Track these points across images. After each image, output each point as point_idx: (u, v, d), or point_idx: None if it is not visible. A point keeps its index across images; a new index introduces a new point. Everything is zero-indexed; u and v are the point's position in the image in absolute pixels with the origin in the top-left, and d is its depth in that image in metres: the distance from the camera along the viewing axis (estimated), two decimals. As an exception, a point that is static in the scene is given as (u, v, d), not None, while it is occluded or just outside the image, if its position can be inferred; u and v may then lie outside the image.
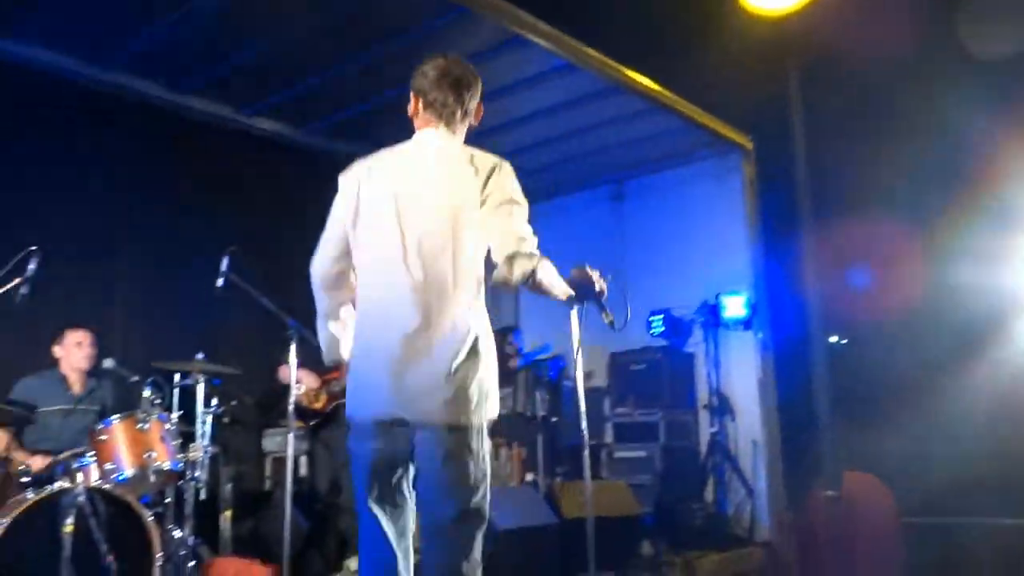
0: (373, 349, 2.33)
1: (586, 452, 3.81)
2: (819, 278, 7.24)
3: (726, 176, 6.88)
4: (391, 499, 2.36)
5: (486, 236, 2.37)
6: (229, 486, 4.35)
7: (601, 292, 2.66)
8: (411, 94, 2.51)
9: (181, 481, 3.91)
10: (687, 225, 6.97)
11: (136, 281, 5.00)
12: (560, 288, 2.51)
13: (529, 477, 5.91)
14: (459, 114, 2.47)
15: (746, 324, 6.55)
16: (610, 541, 4.41)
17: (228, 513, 4.28)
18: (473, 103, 2.51)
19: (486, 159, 2.42)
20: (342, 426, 2.79)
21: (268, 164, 5.92)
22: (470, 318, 2.35)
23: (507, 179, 2.40)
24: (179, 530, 3.87)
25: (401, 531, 2.38)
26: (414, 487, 2.37)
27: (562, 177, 7.46)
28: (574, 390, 6.32)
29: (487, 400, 2.34)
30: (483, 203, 2.35)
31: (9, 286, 3.31)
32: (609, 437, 6.63)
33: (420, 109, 2.48)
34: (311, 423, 4.99)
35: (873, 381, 7.25)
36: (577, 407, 5.05)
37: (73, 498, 3.06)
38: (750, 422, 6.57)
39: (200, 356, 4.09)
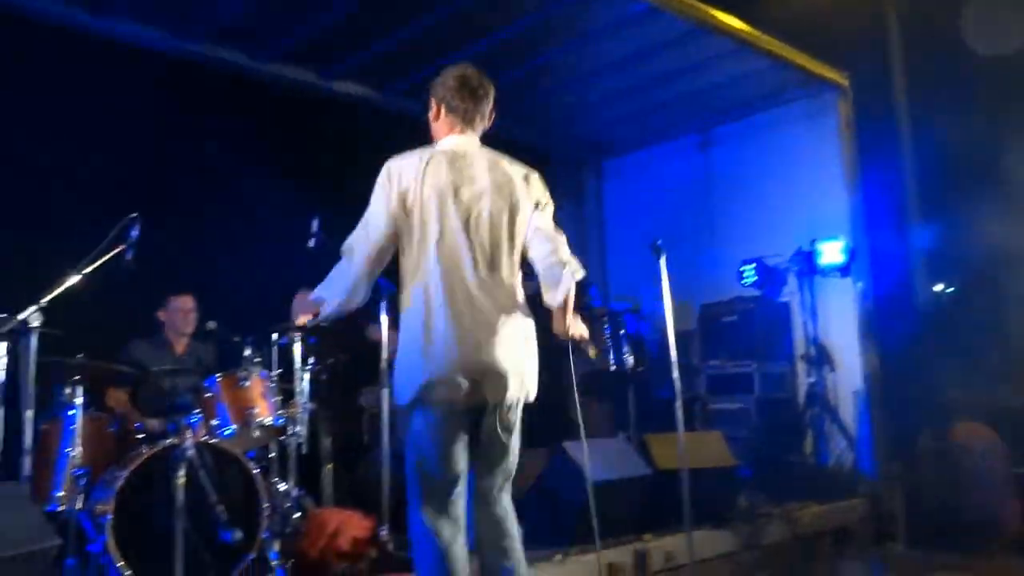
0: (456, 338, 2.51)
1: (678, 402, 3.77)
2: (922, 222, 6.90)
3: (820, 117, 6.58)
4: (460, 470, 2.59)
5: (536, 238, 2.70)
6: (329, 440, 4.48)
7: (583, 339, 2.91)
8: (432, 101, 2.76)
9: (283, 436, 4.05)
10: (779, 170, 6.71)
11: (231, 245, 5.15)
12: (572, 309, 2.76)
13: (619, 433, 5.88)
14: (477, 119, 2.74)
15: (844, 271, 6.29)
16: (706, 493, 4.35)
17: (329, 467, 4.42)
18: (488, 108, 2.77)
19: (530, 169, 2.78)
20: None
21: (352, 127, 5.98)
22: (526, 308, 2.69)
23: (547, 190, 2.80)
24: (283, 483, 4.02)
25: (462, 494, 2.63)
26: (479, 451, 2.64)
27: (647, 127, 7.29)
28: (662, 343, 6.24)
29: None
30: (536, 207, 2.72)
31: (114, 252, 3.44)
32: (702, 390, 6.52)
33: (442, 115, 2.74)
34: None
35: (981, 328, 6.89)
36: (665, 360, 4.99)
37: (183, 452, 3.21)
38: (850, 372, 6.35)
39: (295, 315, 4.19)
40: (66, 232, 4.30)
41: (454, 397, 2.52)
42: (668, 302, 3.81)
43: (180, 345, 4.61)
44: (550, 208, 2.78)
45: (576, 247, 8.65)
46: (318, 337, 4.45)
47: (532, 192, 2.72)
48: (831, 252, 6.26)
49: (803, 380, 6.46)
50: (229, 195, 5.22)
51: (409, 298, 2.59)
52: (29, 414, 3.20)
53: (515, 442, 2.68)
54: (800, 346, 6.52)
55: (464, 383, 2.51)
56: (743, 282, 6.52)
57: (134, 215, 3.47)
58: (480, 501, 2.66)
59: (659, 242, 3.73)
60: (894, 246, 6.42)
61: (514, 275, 2.68)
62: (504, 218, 2.64)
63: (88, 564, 3.27)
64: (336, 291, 2.66)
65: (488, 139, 2.94)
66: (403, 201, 2.58)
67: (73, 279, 3.32)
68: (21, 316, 3.12)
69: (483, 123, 2.77)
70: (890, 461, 6.19)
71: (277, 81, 5.77)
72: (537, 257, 2.71)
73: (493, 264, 2.61)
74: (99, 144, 4.78)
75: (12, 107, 4.49)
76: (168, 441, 3.45)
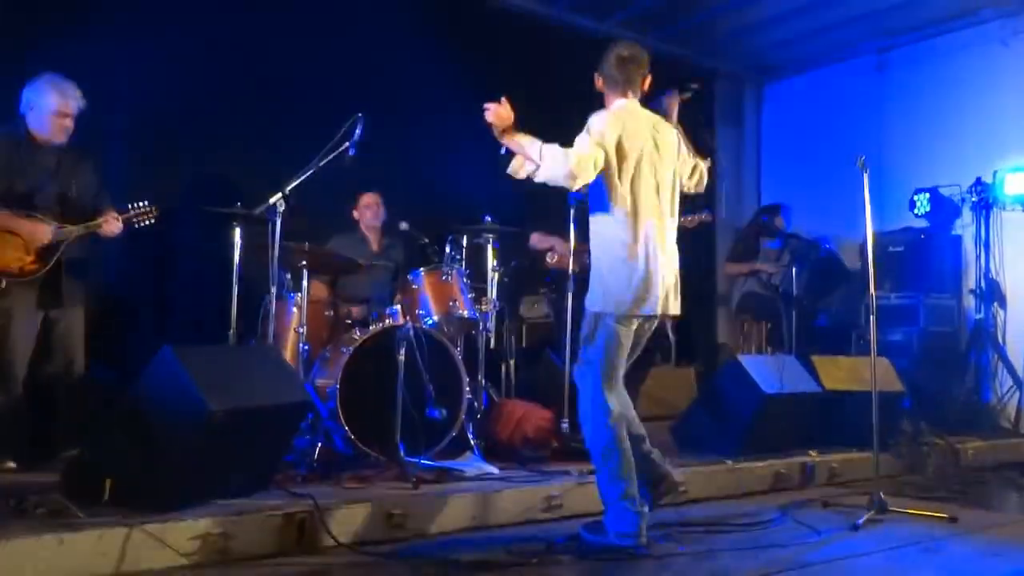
0: (653, 265, 3.08)
1: (872, 318, 3.78)
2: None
3: (1014, 40, 6.20)
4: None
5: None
6: (512, 338, 4.75)
7: None
8: (647, 76, 3.22)
9: (474, 331, 4.33)
10: (961, 95, 6.41)
11: (424, 151, 5.41)
12: None
13: (774, 349, 5.93)
14: (636, 86, 3.22)
15: (1028, 204, 6.02)
16: (871, 415, 4.38)
17: (512, 362, 4.70)
18: (642, 75, 3.23)
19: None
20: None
21: (518, 41, 6.05)
22: None
23: None
24: (472, 374, 4.30)
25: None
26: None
27: (818, 48, 7.07)
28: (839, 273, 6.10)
29: None
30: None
31: (340, 149, 3.72)
32: (862, 319, 6.43)
33: (610, 86, 3.21)
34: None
35: None
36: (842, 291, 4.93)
37: (405, 332, 3.52)
38: (1023, 310, 6.14)
39: (488, 219, 4.43)
40: (293, 130, 4.69)
41: (646, 314, 3.11)
42: (870, 223, 3.80)
43: (375, 242, 4.94)
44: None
45: (732, 171, 8.58)
46: (501, 243, 4.66)
47: (680, 149, 3.30)
48: (1016, 183, 5.98)
49: (969, 315, 6.29)
50: (429, 106, 5.43)
51: (618, 229, 3.09)
52: (274, 291, 3.58)
53: None
54: (970, 281, 6.32)
55: (655, 307, 3.10)
56: (915, 211, 6.34)
57: (359, 115, 3.72)
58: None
59: (864, 158, 3.70)
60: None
61: (675, 217, 3.25)
62: (673, 170, 3.23)
63: (316, 427, 3.67)
64: (546, 169, 2.99)
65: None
66: (619, 146, 3.03)
67: (309, 171, 3.62)
68: (271, 201, 3.46)
69: (641, 89, 3.21)
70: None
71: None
72: (694, 173, 3.42)
73: (669, 210, 3.20)
74: (325, 53, 5.15)
75: (256, 22, 4.85)
76: (388, 322, 3.78)
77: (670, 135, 3.25)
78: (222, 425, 2.71)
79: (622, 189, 3.06)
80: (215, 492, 2.85)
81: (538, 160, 2.98)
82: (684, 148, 3.32)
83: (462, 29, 5.62)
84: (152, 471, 2.69)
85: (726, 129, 7.93)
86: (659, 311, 3.12)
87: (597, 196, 3.12)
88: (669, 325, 5.28)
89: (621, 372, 3.13)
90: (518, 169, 3.14)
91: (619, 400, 3.12)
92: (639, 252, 3.06)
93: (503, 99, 3.00)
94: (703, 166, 3.43)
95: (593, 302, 3.13)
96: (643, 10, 6.39)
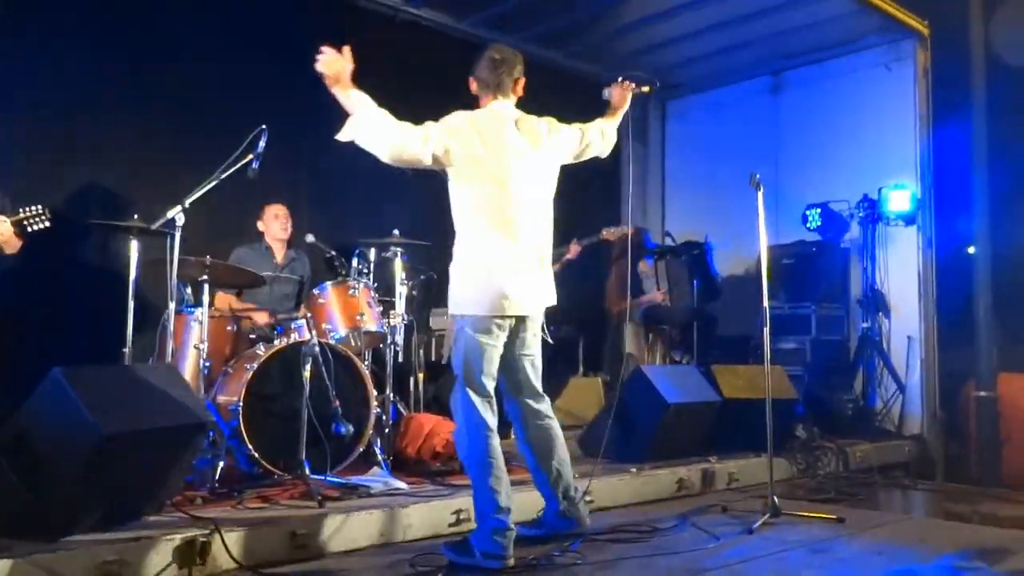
0: (508, 267, 2.98)
1: (766, 329, 3.95)
2: (990, 177, 6.92)
3: (896, 65, 6.61)
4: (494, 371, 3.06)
5: (568, 144, 3.30)
6: (421, 351, 4.75)
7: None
8: (520, 79, 3.16)
9: (382, 344, 4.30)
10: (849, 116, 6.78)
11: (330, 164, 5.34)
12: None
13: (680, 357, 6.11)
14: (508, 88, 3.16)
15: (909, 219, 6.42)
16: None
17: (421, 376, 4.69)
18: (513, 79, 3.16)
19: (548, 119, 3.27)
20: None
21: (433, 53, 6.08)
22: None
23: None
24: (381, 387, 4.28)
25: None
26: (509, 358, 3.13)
27: (718, 69, 7.34)
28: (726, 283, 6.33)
29: None
30: (558, 144, 3.25)
31: (243, 162, 3.65)
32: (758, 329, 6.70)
33: (479, 87, 3.16)
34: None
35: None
36: (731, 298, 5.04)
37: (311, 348, 3.47)
38: (904, 319, 6.52)
39: (396, 232, 4.42)
40: (193, 141, 4.56)
41: (508, 312, 3.00)
42: (763, 237, 3.97)
43: (280, 254, 4.85)
44: (564, 128, 3.25)
45: (637, 185, 8.74)
46: (410, 256, 4.66)
47: (552, 135, 3.18)
48: (898, 200, 6.36)
49: (857, 324, 6.64)
50: (326, 116, 5.36)
51: (472, 232, 3.02)
52: (172, 306, 3.48)
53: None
54: (857, 291, 6.68)
55: (512, 304, 2.99)
56: (808, 225, 6.65)
57: (263, 127, 3.66)
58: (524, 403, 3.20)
59: (758, 176, 3.87)
60: (960, 200, 6.49)
61: (545, 216, 3.15)
62: (537, 172, 3.11)
63: (218, 446, 3.57)
64: (363, 133, 2.92)
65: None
66: (456, 150, 2.96)
67: (211, 184, 3.54)
68: (169, 215, 3.36)
69: (513, 92, 3.13)
70: (936, 407, 6.40)
71: (364, 3, 5.89)
72: (580, 144, 3.31)
73: (533, 210, 3.08)
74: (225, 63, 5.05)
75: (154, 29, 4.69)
76: (293, 338, 3.72)
77: (536, 126, 3.16)
78: (114, 450, 2.61)
79: (474, 196, 3.00)
80: (109, 518, 2.74)
81: (354, 121, 2.88)
82: (565, 128, 3.25)
83: (369, 41, 5.57)
84: (40, 500, 2.56)
85: (633, 143, 8.11)
86: (519, 311, 3.01)
87: (453, 197, 3.07)
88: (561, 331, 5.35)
89: (490, 381, 3.01)
90: (344, 130, 2.96)
91: (531, 410, 3.14)
92: (493, 255, 2.97)
93: (345, 48, 2.85)
94: (597, 126, 3.34)
95: (453, 306, 3.05)
96: (548, 27, 6.49)
